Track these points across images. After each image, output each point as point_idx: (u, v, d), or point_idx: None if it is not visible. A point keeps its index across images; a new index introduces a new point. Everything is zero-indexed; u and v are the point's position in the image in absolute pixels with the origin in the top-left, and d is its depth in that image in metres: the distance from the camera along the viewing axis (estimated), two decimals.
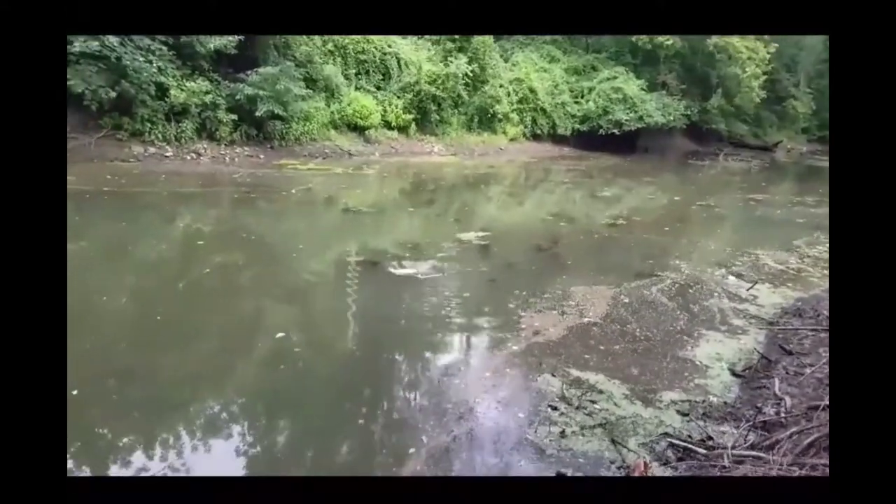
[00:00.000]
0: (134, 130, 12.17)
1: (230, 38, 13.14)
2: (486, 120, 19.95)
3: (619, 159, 19.61)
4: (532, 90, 20.96)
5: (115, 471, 2.74)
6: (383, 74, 17.89)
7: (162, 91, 12.41)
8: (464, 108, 19.35)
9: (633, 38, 21.93)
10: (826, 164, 23.58)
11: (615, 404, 3.69)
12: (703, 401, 3.76)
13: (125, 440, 3.09)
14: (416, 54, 18.28)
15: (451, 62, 17.98)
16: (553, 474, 2.95)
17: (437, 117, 18.59)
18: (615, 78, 21.91)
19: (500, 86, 20.20)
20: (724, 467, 2.72)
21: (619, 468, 3.03)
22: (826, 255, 7.93)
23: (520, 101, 20.85)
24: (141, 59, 11.72)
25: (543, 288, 5.80)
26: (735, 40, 23.38)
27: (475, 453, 3.14)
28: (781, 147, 27.53)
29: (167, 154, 12.48)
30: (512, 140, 20.46)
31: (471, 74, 18.43)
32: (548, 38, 23.09)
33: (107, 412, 3.34)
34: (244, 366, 4.05)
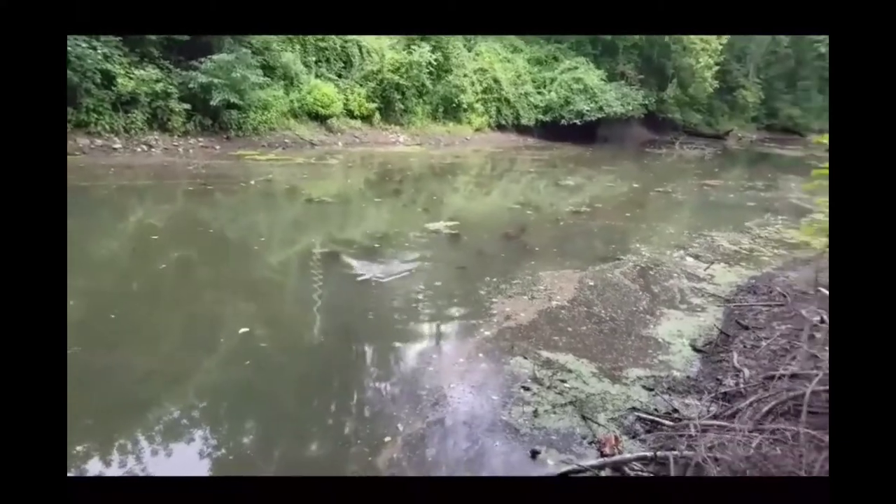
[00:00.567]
0: (78, 121, 11.25)
1: None
2: (451, 110, 19.95)
3: (581, 149, 19.96)
4: (496, 80, 21.06)
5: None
6: (344, 62, 17.64)
7: (108, 79, 11.84)
8: (428, 97, 19.29)
9: None
10: (773, 150, 24.60)
11: (584, 382, 3.81)
12: (668, 376, 3.92)
13: (79, 448, 2.82)
14: (378, 42, 18.07)
15: (415, 50, 17.86)
16: (528, 453, 3.04)
17: (402, 106, 18.48)
18: (576, 68, 22.21)
19: (465, 75, 20.22)
20: (692, 436, 2.86)
21: (590, 443, 3.14)
22: (776, 235, 8.32)
23: (484, 91, 20.92)
24: (84, 45, 10.94)
25: (513, 274, 5.90)
26: None
27: (451, 438, 3.19)
28: (733, 135, 28.51)
29: (116, 146, 11.99)
30: (477, 130, 20.54)
31: (434, 63, 18.35)
32: None
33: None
34: (207, 364, 3.97)
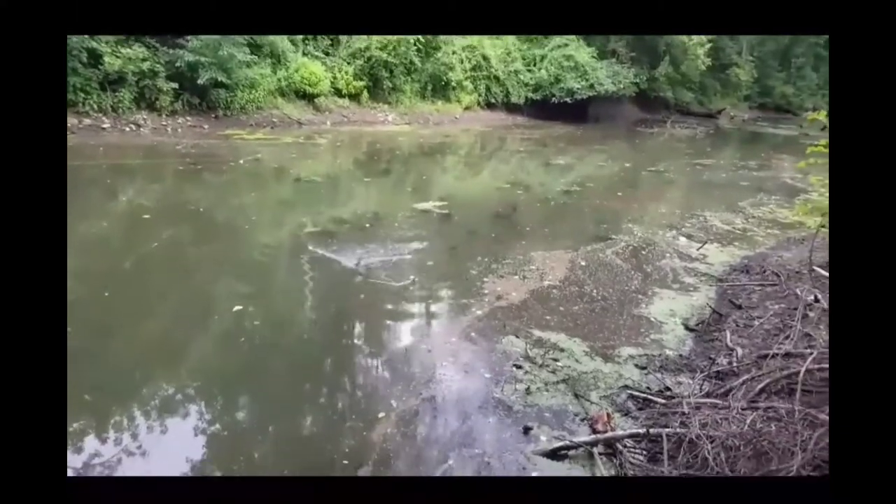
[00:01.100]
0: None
1: None
2: (439, 88, 19.68)
3: (572, 128, 19.82)
4: (485, 57, 20.75)
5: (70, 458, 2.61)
6: (332, 39, 17.29)
7: (95, 58, 11.57)
8: (416, 75, 19.00)
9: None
10: (766, 129, 24.60)
11: (577, 361, 3.80)
12: (660, 354, 3.92)
13: (75, 425, 2.84)
14: None
15: None
16: (521, 429, 3.03)
17: (390, 84, 18.20)
18: (566, 46, 21.91)
19: (453, 52, 19.89)
20: (685, 414, 2.86)
21: (582, 420, 3.14)
22: (769, 215, 8.33)
23: (473, 69, 20.63)
24: None
25: (504, 254, 5.86)
26: None
27: (445, 414, 3.19)
28: (725, 114, 28.41)
29: (104, 126, 11.76)
30: (466, 109, 20.30)
31: (423, 40, 18.05)
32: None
33: None
34: (201, 343, 3.94)
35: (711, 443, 2.37)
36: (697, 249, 6.37)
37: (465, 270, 5.41)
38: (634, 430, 2.92)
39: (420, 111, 18.74)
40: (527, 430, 3.02)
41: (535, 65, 21.95)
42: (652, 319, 4.54)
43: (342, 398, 3.34)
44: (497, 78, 21.08)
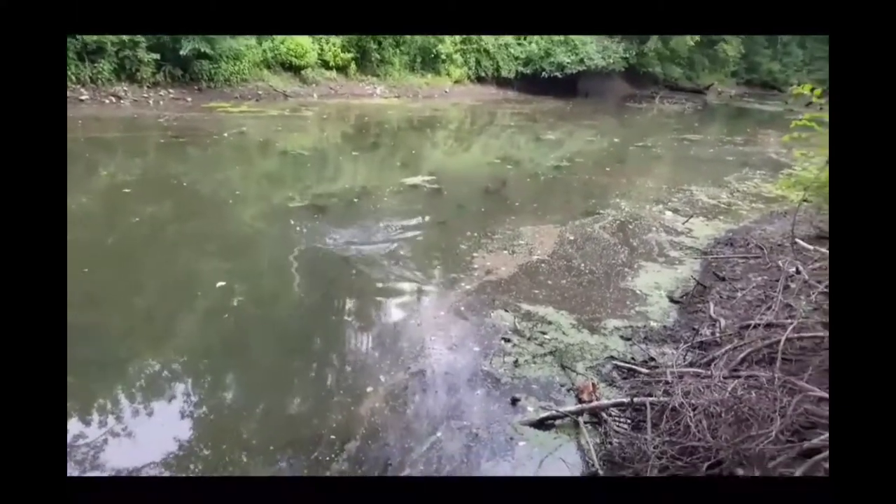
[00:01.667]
0: None
1: None
2: (429, 61, 19.40)
3: (562, 103, 19.71)
4: None
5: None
6: None
7: None
8: (405, 47, 18.70)
9: None
10: (753, 105, 24.64)
11: (564, 333, 3.86)
12: (644, 326, 3.99)
13: None
14: None
15: None
16: (509, 400, 3.09)
17: (378, 57, 17.91)
18: None
19: None
20: (668, 383, 2.94)
21: (568, 391, 3.21)
22: (754, 190, 8.41)
23: (462, 42, 20.33)
24: None
25: (493, 229, 5.88)
26: None
27: (433, 387, 3.23)
28: (712, 90, 28.37)
29: (83, 97, 11.47)
30: (456, 82, 20.07)
31: None
32: None
33: None
34: (185, 319, 3.93)
35: (694, 410, 2.44)
36: (683, 223, 6.44)
37: (455, 245, 5.43)
38: (619, 400, 2.99)
39: (409, 84, 18.51)
40: (514, 401, 3.08)
41: (525, 38, 21.68)
42: (637, 292, 4.61)
43: (330, 373, 3.35)
44: (487, 51, 20.82)
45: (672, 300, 4.45)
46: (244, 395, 3.16)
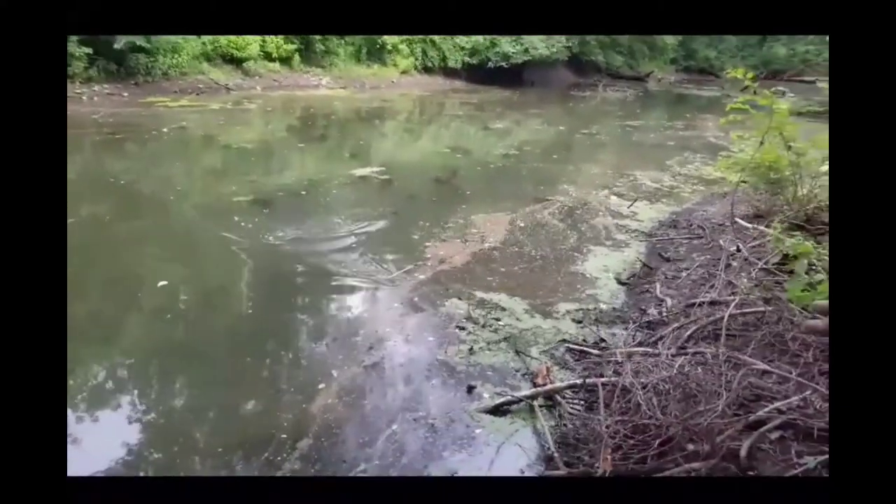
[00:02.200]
0: None
1: None
2: (374, 51, 19.15)
3: (509, 92, 19.85)
4: None
5: None
6: None
7: None
8: (350, 38, 18.38)
9: None
10: (691, 91, 25.53)
11: (517, 319, 3.89)
12: (595, 308, 4.07)
13: None
14: None
15: None
16: (465, 388, 3.09)
17: (322, 48, 17.53)
18: None
19: None
20: (618, 363, 3.00)
21: (523, 375, 3.24)
22: (695, 173, 8.72)
23: None
24: None
25: (445, 218, 5.87)
26: None
27: (388, 379, 3.19)
28: (653, 77, 29.22)
29: None
30: (403, 73, 19.90)
31: None
32: None
33: None
34: (128, 320, 3.75)
35: (643, 388, 2.50)
36: (628, 207, 6.61)
37: (407, 235, 5.39)
38: (572, 382, 3.04)
39: (356, 75, 18.23)
40: (470, 388, 3.08)
41: None
42: (587, 275, 4.70)
43: (280, 371, 3.25)
44: (433, 42, 20.73)
45: (620, 282, 4.56)
46: (191, 396, 3.04)
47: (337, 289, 4.32)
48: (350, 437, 2.68)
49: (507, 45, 20.98)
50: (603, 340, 3.58)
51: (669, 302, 3.92)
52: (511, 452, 2.64)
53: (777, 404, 2.45)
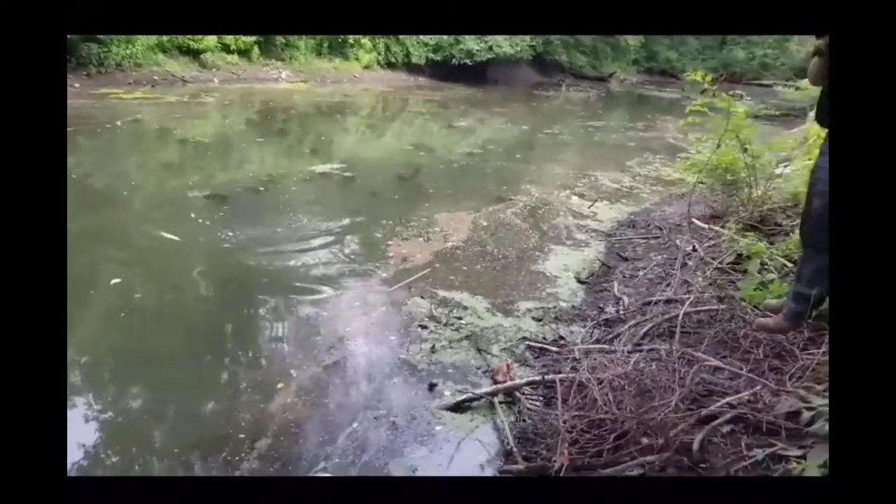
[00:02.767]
0: None
1: None
2: (336, 45, 18.89)
3: (473, 90, 19.90)
4: None
5: None
6: None
7: None
8: None
9: None
10: (653, 92, 26.13)
11: (479, 317, 3.91)
12: (554, 306, 4.12)
13: None
14: None
15: None
16: (426, 386, 3.08)
17: (283, 40, 17.19)
18: None
19: None
20: (576, 360, 3.05)
21: (484, 373, 3.25)
22: (654, 173, 8.92)
23: None
24: None
25: (408, 217, 5.84)
26: None
27: (349, 378, 3.16)
28: (615, 78, 29.79)
29: None
30: (366, 68, 19.70)
31: None
32: None
33: None
34: (79, 319, 3.59)
35: (599, 384, 2.55)
36: (589, 207, 6.72)
37: (369, 234, 5.34)
38: (531, 378, 3.07)
39: (317, 69, 17.95)
40: (432, 386, 3.08)
41: None
42: (548, 274, 4.75)
43: (238, 372, 3.18)
44: (396, 37, 20.57)
45: (579, 281, 4.63)
46: (146, 397, 2.93)
47: (296, 287, 4.24)
48: (310, 435, 2.64)
49: (472, 43, 21.03)
50: (562, 338, 3.63)
51: (627, 300, 4.00)
52: (471, 448, 2.65)
53: (728, 399, 2.53)
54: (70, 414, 2.69)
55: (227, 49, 15.74)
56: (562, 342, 3.55)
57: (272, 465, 2.42)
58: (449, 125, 12.80)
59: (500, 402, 2.93)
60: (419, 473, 2.46)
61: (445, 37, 21.09)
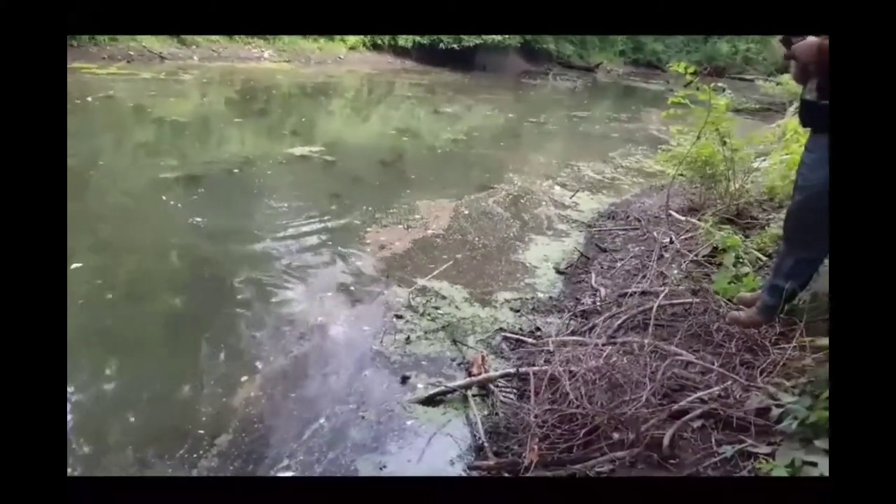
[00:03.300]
0: None
1: None
2: None
3: (460, 76, 19.70)
4: None
5: None
6: None
7: None
8: None
9: None
10: (639, 84, 26.15)
11: (457, 308, 3.87)
12: (532, 297, 4.10)
13: None
14: None
15: None
16: (399, 379, 3.04)
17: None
18: None
19: None
20: (550, 352, 3.03)
21: (459, 364, 3.22)
22: (636, 165, 8.93)
23: None
24: None
25: (389, 203, 5.76)
26: None
27: (318, 370, 3.09)
28: (602, 68, 29.72)
29: None
30: (351, 49, 19.36)
31: None
32: None
33: None
34: None
35: (571, 378, 2.53)
36: (570, 198, 6.70)
37: (347, 220, 5.25)
38: (506, 371, 3.05)
39: (300, 48, 17.59)
40: (405, 379, 3.04)
41: None
42: (527, 264, 4.73)
43: (201, 364, 3.05)
44: None
45: (558, 271, 4.61)
46: (102, 389, 2.82)
47: (267, 275, 4.12)
48: (274, 431, 2.58)
49: None
50: (538, 329, 3.61)
51: (603, 292, 3.99)
52: (442, 443, 2.62)
53: (700, 394, 2.53)
54: None
55: None
56: (538, 334, 3.53)
57: (232, 462, 2.35)
58: (435, 111, 12.66)
59: (474, 396, 2.91)
60: (388, 470, 2.43)
61: None
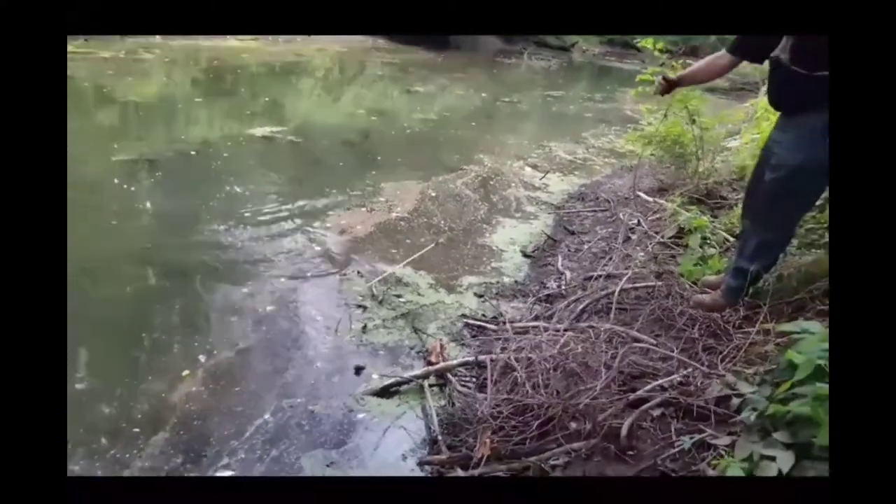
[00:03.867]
0: None
1: None
2: None
3: (433, 54, 19.31)
4: None
5: None
6: None
7: None
8: None
9: None
10: (614, 64, 26.05)
11: (420, 294, 3.74)
12: (497, 282, 3.99)
13: None
14: None
15: None
16: (352, 369, 2.91)
17: None
18: None
19: None
20: (507, 339, 2.92)
21: (418, 353, 3.10)
22: (608, 145, 8.84)
23: None
24: None
25: (352, 185, 5.58)
26: None
27: (267, 363, 2.93)
28: (577, 48, 29.52)
29: None
30: None
31: None
32: None
33: None
34: None
35: (528, 366, 2.43)
36: (541, 179, 6.59)
37: (307, 203, 5.06)
38: (464, 359, 2.94)
39: None
40: (358, 370, 2.91)
41: None
42: (494, 248, 4.61)
43: (140, 357, 2.88)
44: None
45: (525, 255, 4.51)
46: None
47: (217, 262, 3.91)
48: (214, 428, 2.43)
49: None
50: (501, 315, 3.50)
51: (569, 275, 3.90)
52: (396, 437, 2.51)
53: (660, 381, 2.45)
54: None
55: None
56: (500, 319, 3.42)
57: (168, 461, 2.21)
58: (407, 90, 12.39)
59: (432, 386, 2.80)
60: (335, 467, 2.31)
61: None
